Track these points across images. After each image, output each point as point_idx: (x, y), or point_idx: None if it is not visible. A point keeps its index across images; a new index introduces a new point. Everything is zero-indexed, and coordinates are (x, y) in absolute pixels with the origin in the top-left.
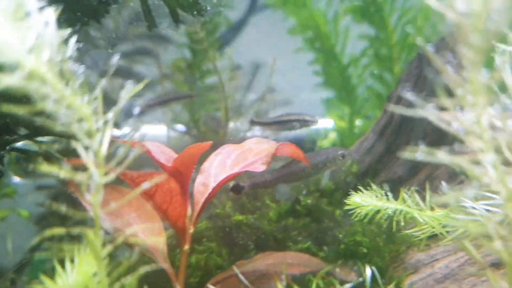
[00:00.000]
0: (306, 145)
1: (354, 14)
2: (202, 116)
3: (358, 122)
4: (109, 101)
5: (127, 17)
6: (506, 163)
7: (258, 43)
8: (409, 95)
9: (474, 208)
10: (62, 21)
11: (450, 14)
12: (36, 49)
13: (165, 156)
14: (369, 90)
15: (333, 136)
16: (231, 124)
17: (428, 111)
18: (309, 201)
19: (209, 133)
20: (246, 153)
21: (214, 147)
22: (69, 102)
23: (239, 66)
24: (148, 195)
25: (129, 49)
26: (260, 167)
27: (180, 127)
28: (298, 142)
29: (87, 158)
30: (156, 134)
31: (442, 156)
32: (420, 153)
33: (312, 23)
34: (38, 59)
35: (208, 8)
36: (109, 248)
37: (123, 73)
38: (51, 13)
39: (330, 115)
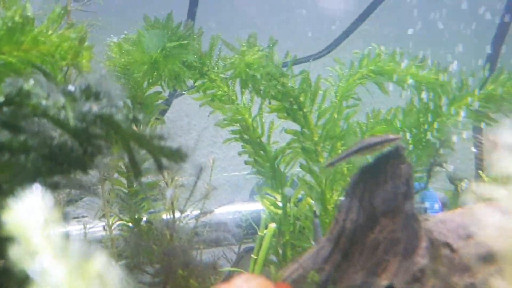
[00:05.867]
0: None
1: (278, 112)
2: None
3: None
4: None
5: None
6: None
7: (196, 113)
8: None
9: None
10: (52, 171)
11: None
12: None
13: None
14: (300, 180)
15: (272, 224)
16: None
17: None
18: None
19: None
20: None
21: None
22: None
23: (182, 167)
24: None
25: None
26: None
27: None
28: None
29: None
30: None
31: None
32: None
33: (239, 117)
34: None
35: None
36: None
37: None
38: None
39: (263, 202)
